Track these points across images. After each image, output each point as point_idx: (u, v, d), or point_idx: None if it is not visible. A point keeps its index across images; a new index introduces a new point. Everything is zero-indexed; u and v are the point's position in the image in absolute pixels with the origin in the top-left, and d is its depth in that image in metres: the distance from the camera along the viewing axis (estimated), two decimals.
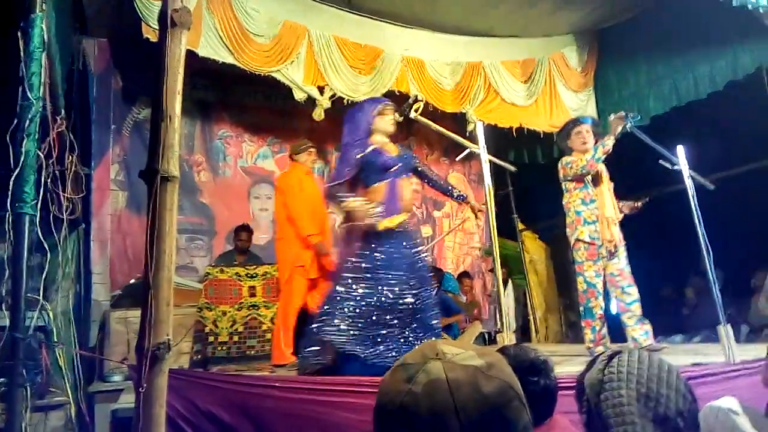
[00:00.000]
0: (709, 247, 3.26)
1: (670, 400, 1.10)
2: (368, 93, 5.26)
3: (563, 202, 3.92)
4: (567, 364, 3.29)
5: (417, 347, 0.77)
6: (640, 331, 3.60)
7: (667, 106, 5.82)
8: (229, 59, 4.61)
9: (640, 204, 3.85)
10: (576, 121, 4.07)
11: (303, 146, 4.40)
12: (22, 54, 2.76)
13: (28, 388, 2.57)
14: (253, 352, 4.19)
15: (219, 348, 4.01)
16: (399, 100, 5.04)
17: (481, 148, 3.15)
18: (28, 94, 2.66)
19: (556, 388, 1.62)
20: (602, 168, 3.81)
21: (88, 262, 4.78)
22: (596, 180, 3.79)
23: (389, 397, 0.71)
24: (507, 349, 1.76)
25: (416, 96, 3.54)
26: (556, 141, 4.29)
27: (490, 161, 3.16)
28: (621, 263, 3.72)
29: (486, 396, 0.67)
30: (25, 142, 2.56)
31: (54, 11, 3.13)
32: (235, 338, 4.14)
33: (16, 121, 2.64)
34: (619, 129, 3.69)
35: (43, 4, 2.82)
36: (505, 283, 6.54)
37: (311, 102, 5.10)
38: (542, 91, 6.04)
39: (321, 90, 5.10)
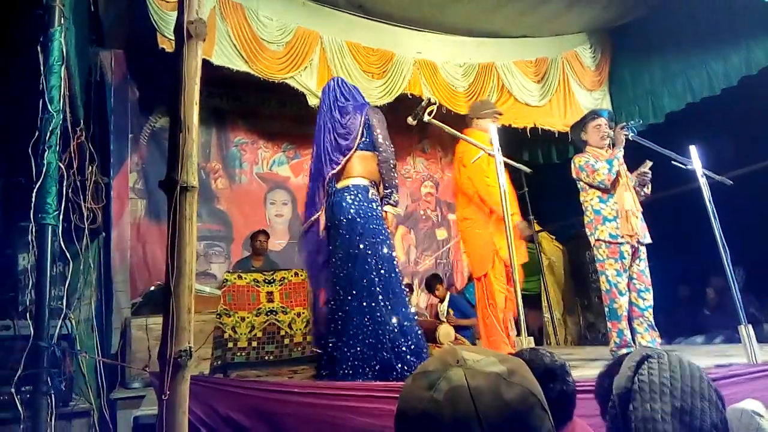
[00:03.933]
0: (726, 246, 3.20)
1: (705, 413, 1.04)
2: (381, 97, 5.28)
3: (581, 200, 3.86)
4: (587, 368, 3.27)
5: (437, 353, 0.77)
6: (648, 338, 3.55)
7: (682, 102, 5.77)
8: (244, 67, 4.66)
9: (645, 169, 3.74)
10: (595, 114, 4.01)
11: (488, 109, 3.97)
12: (41, 68, 2.82)
13: (53, 396, 2.61)
14: (271, 357, 4.20)
15: (238, 354, 4.02)
16: (412, 103, 5.06)
17: (495, 150, 3.14)
18: (49, 107, 2.71)
19: (574, 392, 1.60)
20: (621, 159, 3.74)
21: (109, 271, 4.84)
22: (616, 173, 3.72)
23: (411, 404, 0.71)
24: (522, 353, 1.74)
25: (429, 99, 3.52)
26: (572, 134, 4.22)
27: (504, 163, 3.15)
28: (641, 265, 3.64)
29: (508, 403, 0.67)
30: (46, 154, 2.61)
31: (72, 25, 3.18)
32: (254, 344, 4.15)
33: (37, 134, 2.70)
34: (623, 140, 3.66)
35: (62, 19, 2.87)
36: None
37: None
38: (556, 90, 6.02)
39: None
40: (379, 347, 2.88)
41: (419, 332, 3.06)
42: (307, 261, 3.29)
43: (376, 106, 5.25)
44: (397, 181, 3.20)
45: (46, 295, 2.53)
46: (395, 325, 2.93)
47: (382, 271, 2.98)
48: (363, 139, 3.11)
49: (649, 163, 3.75)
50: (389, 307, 2.94)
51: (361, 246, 2.97)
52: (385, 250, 3.02)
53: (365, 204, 3.04)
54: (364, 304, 2.91)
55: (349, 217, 3.00)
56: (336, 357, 2.91)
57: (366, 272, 2.95)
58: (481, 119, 3.95)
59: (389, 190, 3.16)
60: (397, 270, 3.11)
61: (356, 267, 2.95)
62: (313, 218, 3.18)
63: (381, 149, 3.14)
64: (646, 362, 1.13)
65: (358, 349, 2.87)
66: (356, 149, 3.09)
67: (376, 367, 2.87)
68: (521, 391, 0.68)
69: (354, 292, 2.93)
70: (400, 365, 2.87)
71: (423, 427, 0.69)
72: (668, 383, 1.07)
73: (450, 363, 0.72)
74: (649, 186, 3.80)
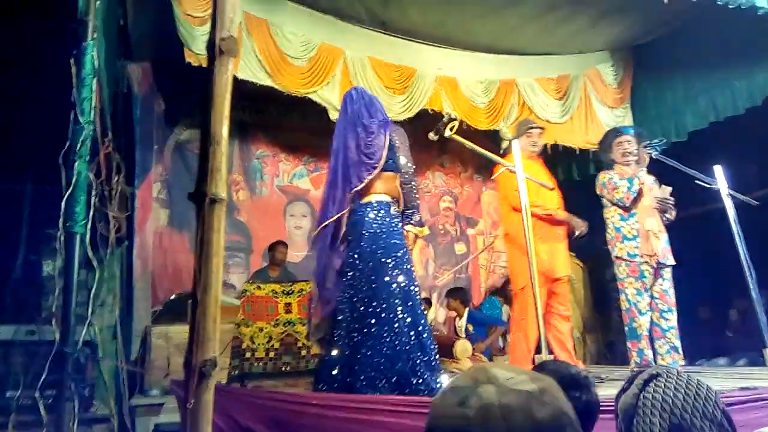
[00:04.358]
0: (752, 267, 3.17)
1: (704, 431, 1.05)
2: (402, 112, 5.31)
3: (604, 217, 3.85)
4: (606, 387, 3.23)
5: (466, 370, 0.78)
6: (669, 360, 3.51)
7: (705, 121, 5.72)
8: (268, 82, 4.73)
9: (666, 195, 3.69)
10: (616, 132, 4.01)
11: (523, 127, 4.08)
12: (74, 79, 2.89)
13: (76, 401, 2.64)
14: (288, 368, 4.21)
15: (256, 364, 4.05)
16: (432, 118, 5.10)
17: (517, 167, 3.15)
18: (80, 118, 2.77)
19: (598, 403, 1.60)
20: (644, 178, 3.73)
21: (131, 279, 4.91)
22: (638, 192, 3.70)
23: (441, 419, 0.72)
24: (546, 364, 1.75)
25: (450, 114, 3.54)
26: (598, 153, 4.22)
27: (525, 179, 3.15)
28: (664, 285, 3.60)
29: (539, 422, 0.67)
30: (76, 164, 2.66)
31: (102, 37, 3.26)
32: (272, 354, 4.17)
33: (68, 144, 2.76)
34: (647, 158, 3.65)
35: (94, 32, 2.95)
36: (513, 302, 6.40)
37: None
38: (577, 107, 6.00)
39: None
40: (396, 359, 2.89)
41: (435, 347, 3.07)
42: (319, 263, 3.30)
43: (397, 122, 5.33)
44: (419, 201, 3.27)
45: (72, 301, 2.57)
46: (413, 337, 2.95)
47: (403, 285, 3.01)
48: (387, 159, 3.17)
49: (667, 189, 3.71)
50: (407, 321, 2.96)
51: (383, 260, 3.01)
52: (406, 266, 3.07)
53: (387, 219, 3.09)
54: (383, 315, 2.92)
55: (372, 231, 3.05)
56: (353, 368, 2.92)
57: (387, 284, 2.97)
58: (518, 139, 3.97)
59: (411, 211, 3.23)
60: (416, 284, 3.15)
61: (378, 280, 2.98)
62: (325, 222, 3.20)
63: (403, 171, 3.20)
64: (654, 380, 1.14)
65: (376, 360, 2.88)
66: (380, 170, 3.13)
67: (393, 380, 2.87)
68: (553, 410, 0.69)
69: (374, 303, 2.95)
70: (415, 380, 2.88)
71: None
72: (670, 401, 1.09)
73: (481, 380, 0.72)
74: (672, 212, 3.76)
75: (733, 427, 1.08)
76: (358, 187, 3.09)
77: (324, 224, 3.18)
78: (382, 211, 3.10)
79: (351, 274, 3.07)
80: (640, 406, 1.12)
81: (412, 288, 3.06)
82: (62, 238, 2.64)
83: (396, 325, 2.92)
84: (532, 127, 4.06)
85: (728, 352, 5.45)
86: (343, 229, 3.16)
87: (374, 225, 3.06)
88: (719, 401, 1.10)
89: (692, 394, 1.09)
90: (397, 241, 3.08)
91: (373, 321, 2.93)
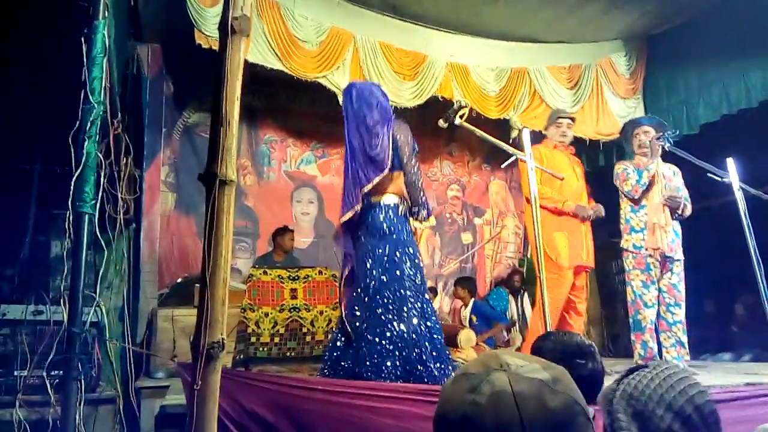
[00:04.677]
0: (761, 262, 3.15)
1: (663, 420, 1.06)
2: (412, 99, 5.29)
3: (620, 206, 3.86)
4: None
5: (478, 356, 0.77)
6: (674, 354, 3.51)
7: (718, 114, 5.64)
8: (277, 65, 4.69)
9: (675, 194, 3.67)
10: (634, 123, 4.05)
11: (553, 116, 4.14)
12: (84, 59, 2.87)
13: (82, 382, 2.66)
14: (293, 353, 4.24)
15: (260, 348, 4.07)
16: (442, 105, 5.06)
17: (527, 156, 3.13)
18: (90, 97, 2.76)
19: (603, 372, 1.62)
20: (657, 169, 3.70)
21: (138, 261, 4.91)
22: (649, 185, 3.70)
23: (452, 405, 0.71)
24: (551, 334, 1.76)
25: (460, 102, 3.51)
26: (622, 143, 4.23)
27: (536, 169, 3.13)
28: (673, 279, 3.59)
29: (552, 410, 0.66)
30: (86, 143, 2.66)
31: (113, 17, 3.24)
32: (276, 339, 4.19)
33: (78, 124, 2.75)
34: (659, 150, 3.62)
35: (106, 11, 2.93)
36: (518, 293, 6.42)
37: None
38: (589, 97, 5.93)
39: None
40: (403, 347, 2.93)
41: (442, 339, 3.11)
42: (342, 256, 3.37)
43: (406, 109, 5.30)
44: (424, 198, 3.30)
45: (81, 282, 2.58)
46: (421, 326, 2.99)
47: (412, 277, 3.09)
48: (392, 159, 3.21)
49: (675, 183, 3.70)
50: (416, 310, 3.01)
51: (393, 255, 3.09)
52: (415, 260, 3.15)
53: (395, 220, 3.18)
54: (392, 305, 2.99)
55: (382, 231, 3.14)
56: (359, 354, 2.94)
57: (398, 277, 3.05)
58: (548, 129, 4.05)
59: (416, 208, 3.28)
60: (423, 276, 3.22)
61: (388, 272, 3.06)
62: (342, 219, 3.22)
63: (406, 170, 3.23)
64: (637, 371, 1.17)
65: (382, 347, 2.90)
66: (387, 171, 3.18)
67: (398, 367, 2.90)
68: (565, 398, 0.68)
69: (384, 293, 3.02)
70: (421, 368, 2.90)
71: (464, 430, 0.69)
72: (640, 388, 1.12)
73: (492, 367, 0.71)
74: (684, 208, 3.72)
75: (706, 425, 1.08)
76: (367, 188, 3.13)
77: (341, 221, 3.22)
78: (391, 212, 3.19)
79: (361, 269, 3.13)
80: (616, 396, 1.14)
81: (419, 280, 3.14)
82: (71, 219, 2.64)
83: (404, 314, 2.96)
84: (561, 117, 4.05)
85: (733, 348, 5.42)
86: (356, 221, 3.21)
87: (384, 226, 3.15)
88: (697, 398, 1.10)
89: (665, 386, 1.11)
90: (406, 238, 3.17)
91: (381, 310, 2.98)
